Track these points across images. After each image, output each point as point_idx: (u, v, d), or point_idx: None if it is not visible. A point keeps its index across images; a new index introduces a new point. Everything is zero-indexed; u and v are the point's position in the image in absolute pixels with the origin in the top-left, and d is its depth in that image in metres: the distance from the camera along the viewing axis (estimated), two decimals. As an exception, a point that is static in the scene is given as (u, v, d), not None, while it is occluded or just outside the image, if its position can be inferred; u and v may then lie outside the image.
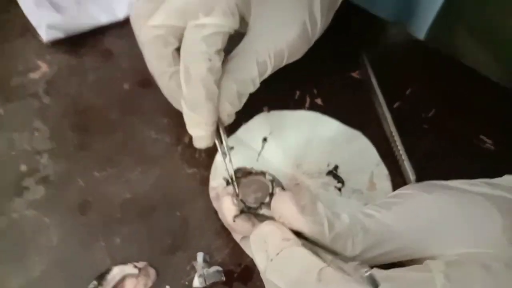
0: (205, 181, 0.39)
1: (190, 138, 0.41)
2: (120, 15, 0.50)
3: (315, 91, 0.45)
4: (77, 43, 0.48)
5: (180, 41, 0.35)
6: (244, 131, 0.42)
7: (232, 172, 0.35)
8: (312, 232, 0.25)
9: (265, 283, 0.25)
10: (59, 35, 0.47)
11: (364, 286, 0.22)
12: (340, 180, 0.39)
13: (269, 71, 0.36)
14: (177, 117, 0.42)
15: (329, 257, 0.25)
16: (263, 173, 0.35)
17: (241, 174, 0.35)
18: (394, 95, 0.44)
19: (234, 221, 0.33)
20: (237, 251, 0.35)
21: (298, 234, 0.25)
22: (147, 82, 0.45)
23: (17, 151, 0.40)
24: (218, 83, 0.34)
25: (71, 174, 0.39)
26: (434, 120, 0.43)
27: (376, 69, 0.45)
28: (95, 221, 0.36)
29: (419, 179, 0.38)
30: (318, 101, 0.44)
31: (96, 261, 0.34)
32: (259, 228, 0.26)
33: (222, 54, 0.35)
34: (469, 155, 0.41)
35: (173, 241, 0.35)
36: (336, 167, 0.40)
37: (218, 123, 0.35)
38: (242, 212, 0.33)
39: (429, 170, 0.38)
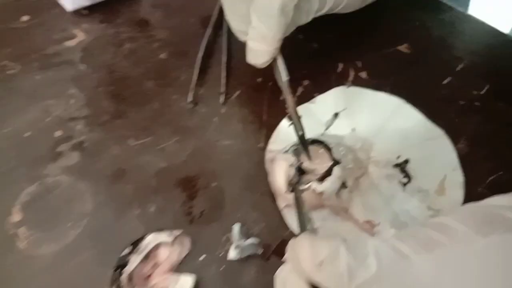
0: (241, 153, 0.37)
1: (226, 109, 0.39)
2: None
3: (359, 64, 0.42)
4: (113, 13, 0.47)
5: None
6: (317, 102, 0.39)
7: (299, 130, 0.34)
8: (330, 286, 0.23)
9: None
10: (84, 3, 0.46)
11: None
12: (407, 175, 0.36)
13: None
14: (213, 87, 0.41)
15: None
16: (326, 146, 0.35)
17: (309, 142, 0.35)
18: (445, 70, 0.42)
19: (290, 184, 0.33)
20: (275, 224, 0.33)
21: None
22: (183, 52, 0.44)
23: (52, 117, 0.39)
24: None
25: (106, 142, 0.38)
26: (487, 98, 0.40)
27: (426, 43, 0.43)
28: (130, 189, 0.35)
29: (463, 163, 0.35)
30: (363, 74, 0.42)
31: (130, 229, 0.33)
32: (282, 269, 0.25)
33: None
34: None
35: (208, 212, 0.34)
36: (406, 161, 0.36)
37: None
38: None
39: (475, 153, 0.36)
